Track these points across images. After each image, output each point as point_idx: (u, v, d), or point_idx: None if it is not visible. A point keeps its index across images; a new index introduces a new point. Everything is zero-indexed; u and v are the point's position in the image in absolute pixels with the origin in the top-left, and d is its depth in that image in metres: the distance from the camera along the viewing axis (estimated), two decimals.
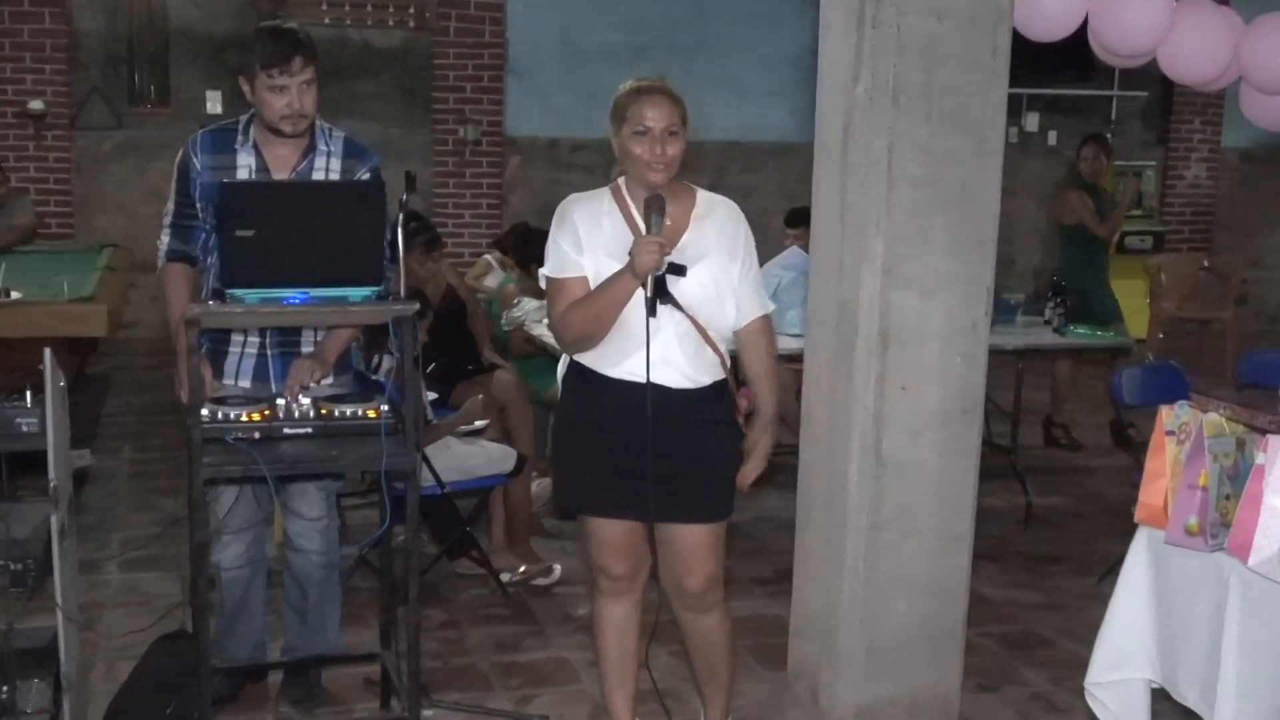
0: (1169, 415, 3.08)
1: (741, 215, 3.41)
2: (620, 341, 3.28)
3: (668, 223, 3.25)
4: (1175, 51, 3.73)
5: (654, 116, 3.23)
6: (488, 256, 7.32)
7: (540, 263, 6.33)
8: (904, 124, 3.38)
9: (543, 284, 3.44)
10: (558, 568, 5.14)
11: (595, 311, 3.26)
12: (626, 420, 3.29)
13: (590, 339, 3.30)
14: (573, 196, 3.40)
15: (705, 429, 3.36)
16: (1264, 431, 2.84)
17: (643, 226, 3.25)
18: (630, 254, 3.19)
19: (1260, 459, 2.83)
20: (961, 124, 3.41)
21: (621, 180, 3.37)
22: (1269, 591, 2.78)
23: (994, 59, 3.43)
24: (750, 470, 3.42)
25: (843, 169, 3.52)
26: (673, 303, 3.25)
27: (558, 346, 5.65)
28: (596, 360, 3.33)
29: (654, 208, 3.21)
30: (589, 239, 3.29)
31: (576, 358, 3.39)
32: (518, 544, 5.20)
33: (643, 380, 3.26)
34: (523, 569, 5.08)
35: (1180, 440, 3.05)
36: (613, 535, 3.45)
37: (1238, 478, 2.94)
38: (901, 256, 3.43)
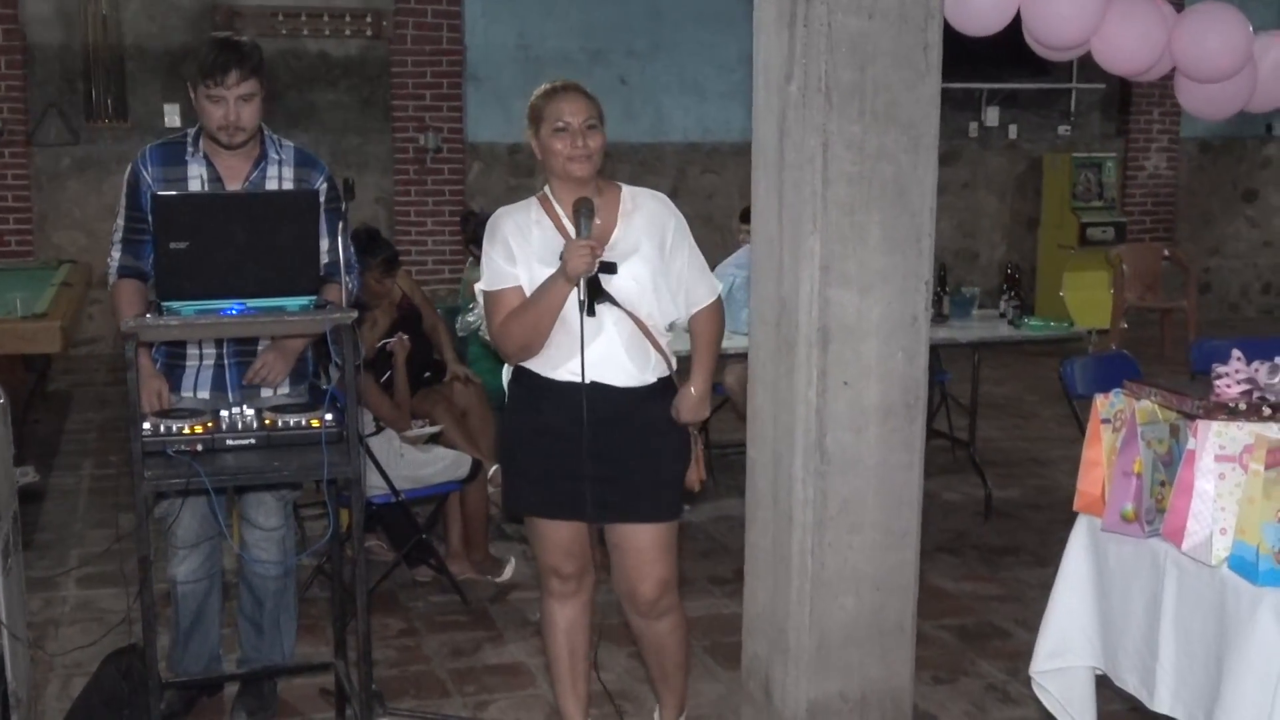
0: (1104, 404, 3.10)
1: (670, 205, 3.45)
2: (562, 343, 3.30)
3: (597, 222, 3.29)
4: (1108, 43, 3.75)
5: (571, 111, 3.28)
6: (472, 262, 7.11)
7: (477, 243, 6.42)
8: (837, 122, 3.39)
9: (480, 299, 3.45)
10: (512, 561, 5.14)
11: (533, 320, 3.28)
12: (570, 421, 3.30)
13: (530, 347, 3.32)
14: (501, 209, 3.43)
15: (651, 428, 3.38)
16: (1192, 417, 2.86)
17: (572, 230, 3.28)
18: (561, 258, 3.21)
19: (1192, 444, 2.86)
20: (894, 121, 3.42)
21: (547, 188, 3.40)
22: (1203, 576, 2.80)
23: (925, 55, 3.44)
24: (693, 478, 3.46)
25: (779, 168, 3.53)
26: (610, 300, 3.28)
27: None
28: (540, 364, 3.35)
29: (583, 211, 3.25)
30: (520, 249, 3.31)
31: (522, 363, 3.40)
32: (476, 550, 5.20)
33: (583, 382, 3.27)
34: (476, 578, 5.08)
35: (1115, 428, 3.07)
36: (560, 537, 3.46)
37: (1171, 464, 2.96)
38: (838, 254, 3.44)
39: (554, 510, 3.42)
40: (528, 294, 3.30)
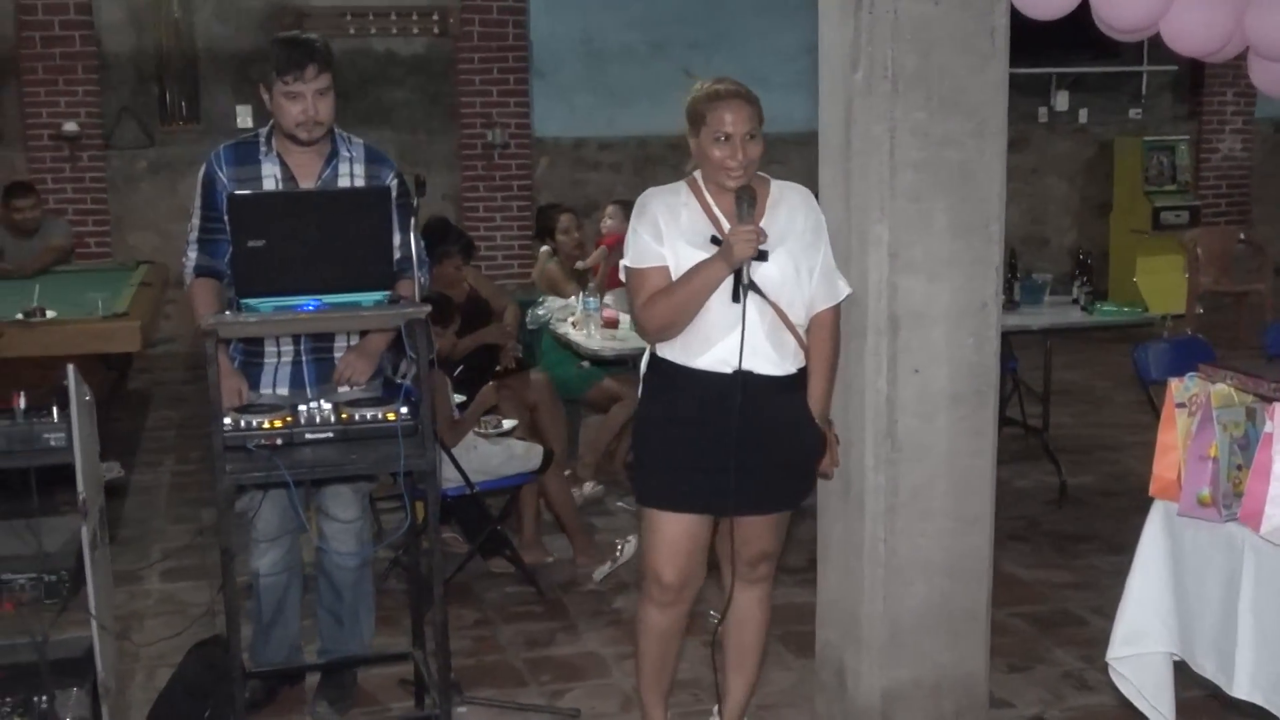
0: (1178, 388, 3.07)
1: (814, 201, 3.43)
2: (704, 331, 3.28)
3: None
4: (1178, 24, 3.71)
5: (733, 121, 3.23)
6: (546, 253, 7.10)
7: (551, 234, 6.44)
8: (903, 108, 3.39)
9: (622, 275, 3.46)
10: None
11: (682, 299, 3.26)
12: (713, 411, 3.28)
13: (673, 327, 3.30)
14: (651, 190, 3.41)
15: (793, 419, 3.36)
16: (1269, 400, 2.83)
17: (720, 217, 3.29)
18: (724, 241, 3.21)
19: (1269, 427, 2.83)
20: (960, 106, 3.42)
21: (697, 173, 3.38)
22: None
23: (992, 40, 3.43)
24: (827, 463, 3.49)
25: (845, 156, 3.54)
26: (756, 290, 3.26)
27: (583, 345, 5.74)
28: (681, 352, 3.32)
29: (745, 198, 3.24)
30: (669, 229, 3.30)
31: (659, 352, 3.38)
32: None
33: (729, 370, 3.26)
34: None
35: (1190, 412, 3.04)
36: (676, 536, 3.39)
37: (1248, 447, 2.93)
38: (906, 241, 3.45)
39: (688, 503, 3.37)
40: (673, 275, 3.29)
